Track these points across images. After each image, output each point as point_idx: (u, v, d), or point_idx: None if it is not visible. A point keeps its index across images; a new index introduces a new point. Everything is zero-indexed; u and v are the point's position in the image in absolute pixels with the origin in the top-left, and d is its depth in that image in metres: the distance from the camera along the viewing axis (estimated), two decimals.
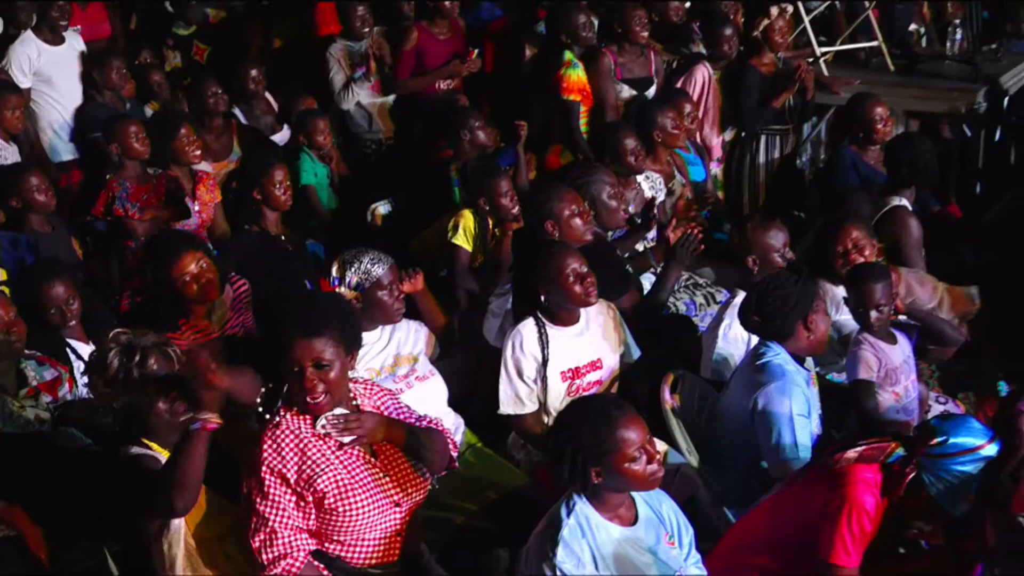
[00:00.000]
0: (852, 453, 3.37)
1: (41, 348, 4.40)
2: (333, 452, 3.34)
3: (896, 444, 3.39)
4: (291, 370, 3.29)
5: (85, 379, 4.29)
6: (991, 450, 3.32)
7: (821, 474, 3.46)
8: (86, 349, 4.49)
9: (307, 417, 3.34)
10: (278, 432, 3.32)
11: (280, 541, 3.25)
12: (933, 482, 3.31)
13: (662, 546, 3.22)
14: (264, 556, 3.26)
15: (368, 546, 3.40)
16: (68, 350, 4.53)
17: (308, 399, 3.28)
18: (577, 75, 6.58)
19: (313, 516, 3.33)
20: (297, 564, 3.26)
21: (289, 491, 3.28)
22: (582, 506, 3.10)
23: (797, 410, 3.95)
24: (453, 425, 4.32)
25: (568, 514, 3.08)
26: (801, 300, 4.06)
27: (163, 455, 3.48)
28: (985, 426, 3.44)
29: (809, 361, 4.23)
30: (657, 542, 3.21)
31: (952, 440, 3.31)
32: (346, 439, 3.35)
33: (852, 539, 3.31)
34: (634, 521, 3.19)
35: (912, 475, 3.38)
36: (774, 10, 6.96)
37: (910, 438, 3.42)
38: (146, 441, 3.51)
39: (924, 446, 3.34)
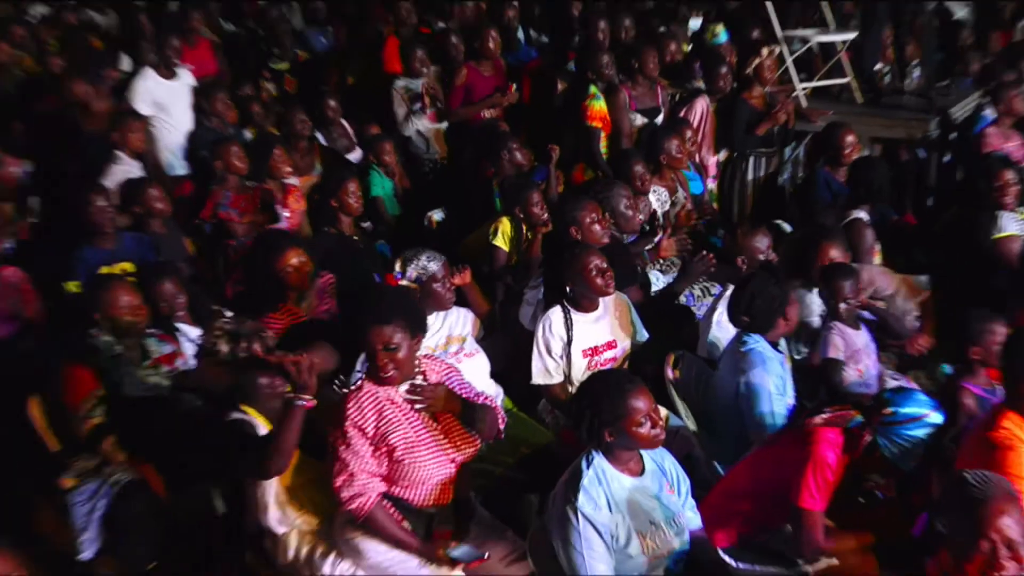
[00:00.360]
0: (819, 419, 3.41)
1: (157, 326, 4.45)
2: (404, 415, 3.41)
3: (856, 412, 3.42)
4: (367, 350, 3.38)
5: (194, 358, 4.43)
6: (936, 418, 3.37)
7: (794, 436, 3.51)
8: (191, 331, 4.54)
9: (382, 383, 3.42)
10: (360, 395, 3.41)
11: (357, 482, 3.33)
12: (887, 445, 3.37)
13: (664, 493, 3.27)
14: (343, 494, 3.34)
15: (427, 490, 3.45)
16: (176, 332, 4.56)
17: (380, 375, 3.37)
18: (599, 106, 6.57)
19: (385, 464, 3.39)
20: (369, 502, 3.33)
21: (367, 442, 3.35)
22: (599, 460, 3.15)
23: (775, 390, 3.99)
24: (494, 393, 4.40)
25: (588, 466, 3.14)
26: (782, 300, 4.11)
27: (258, 420, 3.59)
28: (930, 398, 3.47)
29: (782, 343, 4.27)
30: (660, 490, 3.26)
31: (901, 410, 3.36)
32: (419, 405, 3.42)
33: (817, 487, 3.35)
34: (642, 473, 3.24)
35: (869, 438, 3.43)
36: (764, 51, 6.96)
37: (868, 407, 3.44)
38: (245, 408, 3.61)
39: (878, 415, 3.39)
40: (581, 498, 3.08)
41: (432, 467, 3.43)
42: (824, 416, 3.41)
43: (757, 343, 4.10)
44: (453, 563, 3.39)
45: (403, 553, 3.43)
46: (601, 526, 3.08)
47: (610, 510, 3.11)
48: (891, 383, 4.53)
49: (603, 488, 3.12)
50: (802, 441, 3.43)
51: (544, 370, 4.34)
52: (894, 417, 3.38)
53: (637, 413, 3.10)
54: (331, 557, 3.52)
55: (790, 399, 4.12)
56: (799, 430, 3.49)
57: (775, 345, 4.16)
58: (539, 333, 4.34)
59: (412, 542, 3.41)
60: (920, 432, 3.38)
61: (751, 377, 4.02)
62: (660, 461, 3.34)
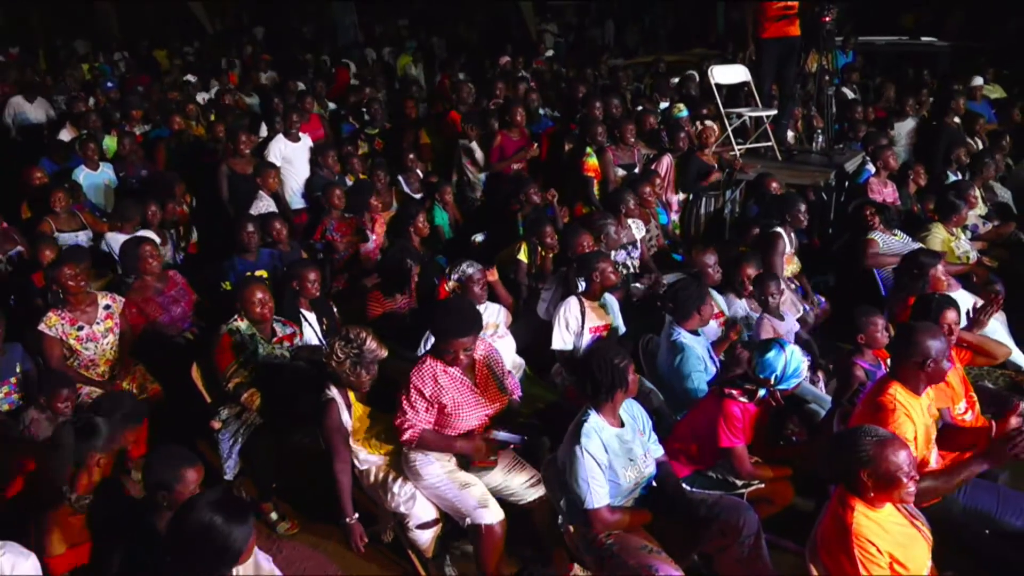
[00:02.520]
0: (742, 397, 3.39)
1: (283, 314, 4.39)
2: (452, 381, 3.35)
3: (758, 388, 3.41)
4: (450, 348, 3.31)
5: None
6: (789, 349, 3.37)
7: (713, 398, 3.47)
8: (308, 315, 4.51)
9: (439, 360, 3.35)
10: (423, 367, 3.35)
11: (408, 423, 3.30)
12: (791, 387, 3.43)
13: (636, 437, 3.19)
14: (400, 430, 3.32)
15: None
16: (300, 316, 4.51)
17: (455, 363, 3.35)
18: (592, 161, 6.48)
19: (435, 416, 3.34)
20: (416, 434, 3.32)
21: (423, 400, 3.30)
22: (594, 416, 3.07)
23: (695, 367, 3.91)
24: (519, 363, 4.36)
25: (586, 420, 3.05)
26: (698, 297, 4.02)
27: (351, 397, 3.48)
28: (773, 346, 3.40)
29: (704, 329, 4.18)
30: (634, 436, 3.18)
31: (776, 372, 3.34)
32: None
33: (731, 431, 3.34)
34: (621, 425, 3.15)
35: (776, 396, 3.45)
36: (706, 123, 6.92)
37: (760, 381, 3.39)
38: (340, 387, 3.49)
39: (770, 385, 3.37)
40: (584, 441, 3.00)
41: (472, 419, 3.39)
42: (743, 400, 3.39)
43: (680, 334, 4.01)
44: (495, 451, 3.38)
45: (448, 478, 3.36)
46: (599, 461, 3.00)
47: (604, 451, 3.03)
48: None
49: (597, 434, 3.04)
50: (717, 401, 3.40)
51: (561, 339, 4.31)
52: (779, 380, 3.36)
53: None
54: (399, 481, 3.45)
55: (712, 369, 4.02)
56: (716, 394, 3.45)
57: (696, 333, 4.06)
58: (561, 313, 4.31)
59: (459, 444, 3.38)
60: (798, 365, 3.37)
61: (677, 362, 3.96)
62: (632, 413, 3.25)
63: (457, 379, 3.37)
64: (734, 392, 3.37)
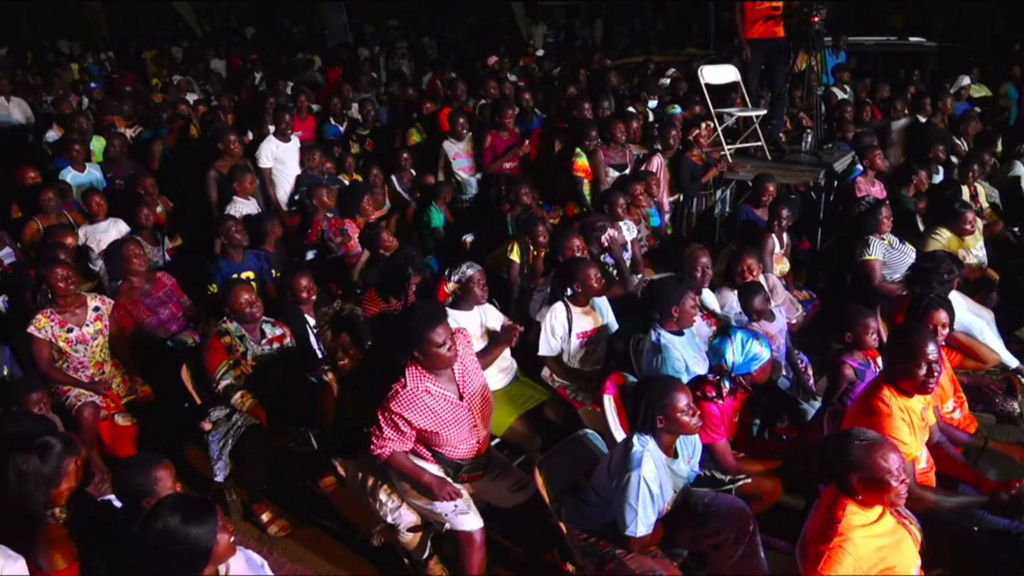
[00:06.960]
0: (711, 394, 3.46)
1: (284, 318, 4.35)
2: (436, 399, 3.15)
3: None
4: (427, 356, 3.09)
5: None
6: (738, 336, 3.46)
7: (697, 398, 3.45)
8: (311, 321, 4.45)
9: (423, 375, 3.13)
10: (402, 393, 3.11)
11: (380, 441, 3.12)
12: (750, 373, 3.50)
13: (684, 464, 3.16)
14: (371, 444, 3.14)
15: (461, 451, 3.26)
16: (305, 323, 4.43)
17: (449, 360, 3.13)
18: (582, 162, 6.46)
19: (412, 438, 3.16)
20: (386, 453, 3.14)
21: (399, 421, 3.11)
22: (652, 443, 2.99)
23: (675, 368, 3.83)
24: (510, 364, 4.30)
25: (645, 445, 2.97)
26: (675, 297, 3.93)
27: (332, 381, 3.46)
28: (717, 340, 3.49)
29: (697, 329, 4.15)
30: (680, 466, 3.14)
31: (728, 362, 3.44)
32: None
33: (711, 427, 3.40)
34: (675, 456, 3.11)
35: (743, 387, 3.54)
36: (702, 125, 6.97)
37: (721, 372, 3.48)
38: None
39: (727, 372, 3.45)
40: (645, 468, 2.91)
41: (464, 434, 3.23)
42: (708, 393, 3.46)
43: (661, 335, 3.93)
44: (482, 466, 3.31)
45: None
46: (652, 491, 2.92)
47: (657, 478, 2.96)
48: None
49: (653, 460, 2.96)
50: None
51: (548, 345, 4.27)
52: (733, 366, 3.44)
53: (680, 402, 2.96)
54: (384, 489, 3.40)
55: (700, 369, 3.92)
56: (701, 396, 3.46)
57: (678, 332, 3.97)
58: (547, 320, 4.25)
59: (425, 477, 3.19)
60: (750, 349, 3.43)
61: (656, 363, 3.88)
62: (685, 439, 3.20)
63: (441, 396, 3.15)
64: (705, 390, 3.41)
